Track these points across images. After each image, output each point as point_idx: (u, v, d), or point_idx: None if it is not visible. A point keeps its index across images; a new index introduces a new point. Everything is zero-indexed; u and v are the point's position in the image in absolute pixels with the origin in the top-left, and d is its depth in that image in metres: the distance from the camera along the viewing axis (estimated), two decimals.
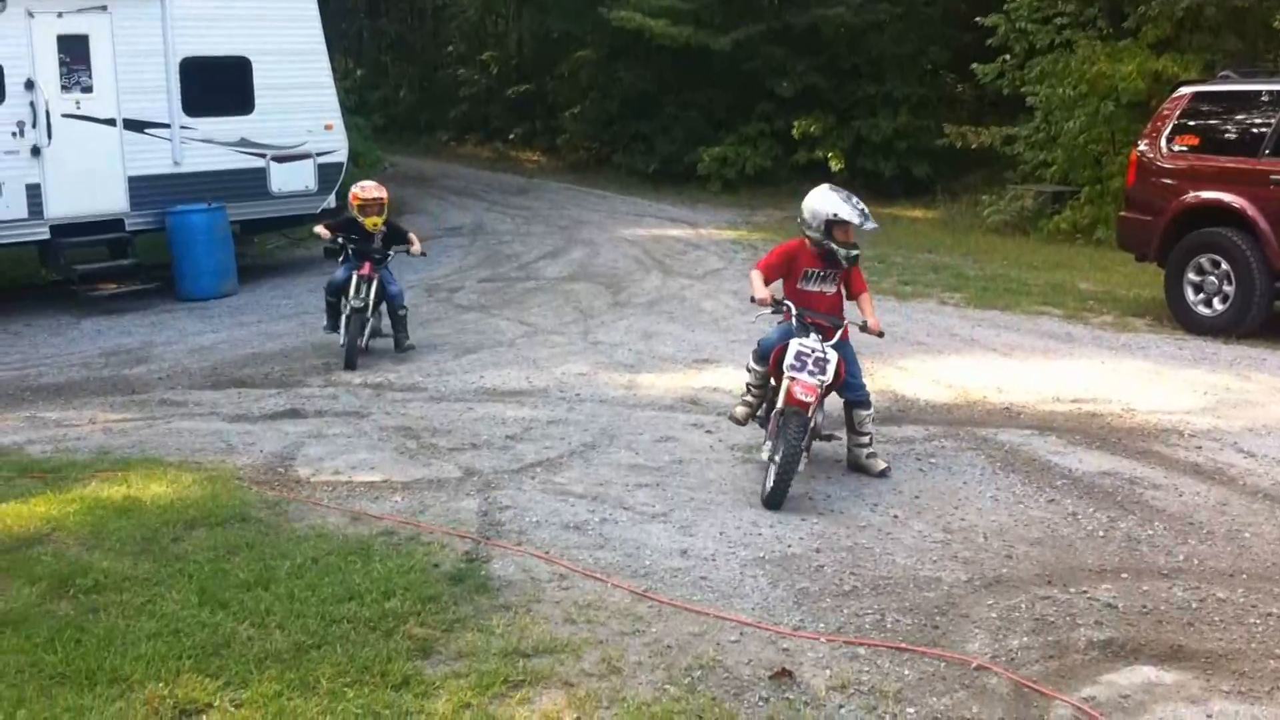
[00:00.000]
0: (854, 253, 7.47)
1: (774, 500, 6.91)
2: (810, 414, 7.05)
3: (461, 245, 18.27)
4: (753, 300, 7.49)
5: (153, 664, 4.94)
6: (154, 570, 5.94)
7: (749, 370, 7.75)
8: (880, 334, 7.58)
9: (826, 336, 7.32)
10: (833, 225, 7.36)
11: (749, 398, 7.79)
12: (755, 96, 25.50)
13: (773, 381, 7.50)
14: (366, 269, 10.68)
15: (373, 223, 10.90)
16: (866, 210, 7.43)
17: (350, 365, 10.49)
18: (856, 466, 7.66)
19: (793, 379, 7.05)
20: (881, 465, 7.62)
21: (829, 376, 7.12)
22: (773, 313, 7.54)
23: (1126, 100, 17.64)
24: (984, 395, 9.39)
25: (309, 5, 15.34)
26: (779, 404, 7.13)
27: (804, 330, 7.31)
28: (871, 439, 7.66)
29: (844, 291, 7.68)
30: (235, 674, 4.88)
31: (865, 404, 7.60)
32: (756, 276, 7.49)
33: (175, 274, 14.13)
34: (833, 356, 7.17)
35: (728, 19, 24.94)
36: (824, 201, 7.44)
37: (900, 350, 10.78)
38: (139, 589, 5.71)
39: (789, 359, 7.11)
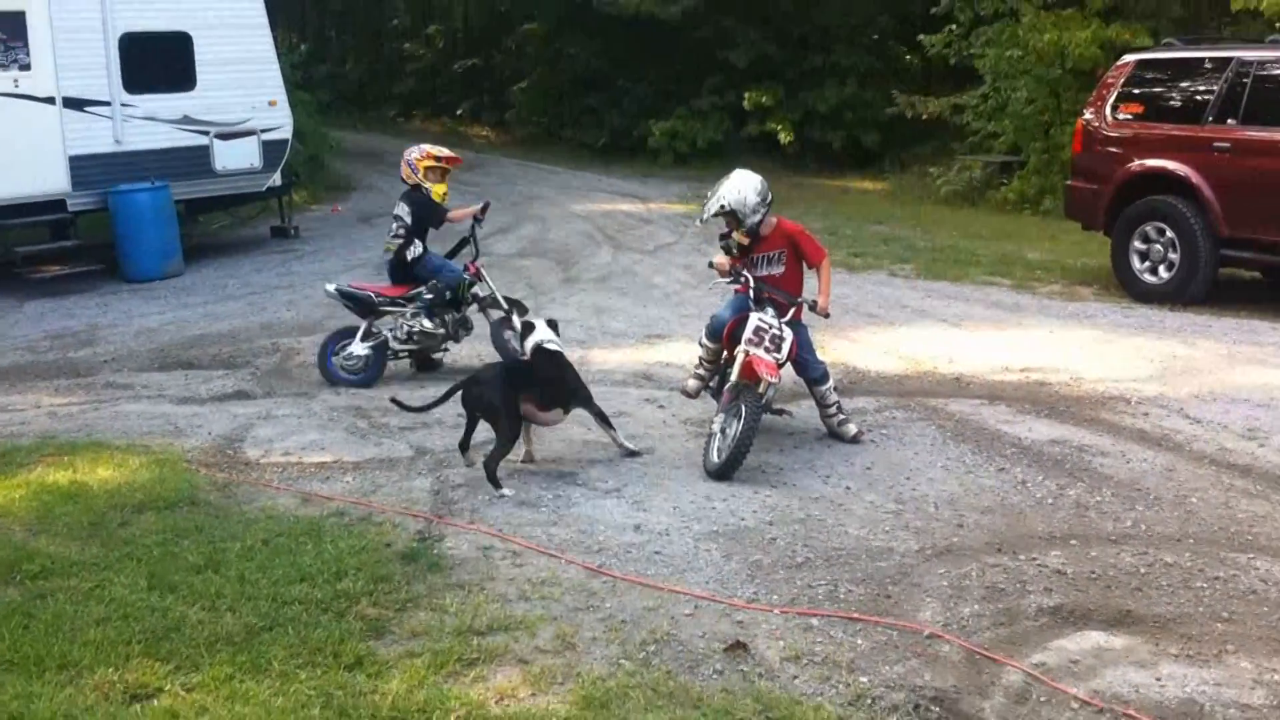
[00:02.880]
0: (727, 241, 7.66)
1: (725, 472, 6.92)
2: (764, 388, 7.08)
3: None
4: (710, 265, 7.55)
5: (102, 649, 4.88)
6: (102, 555, 5.87)
7: (701, 345, 7.80)
8: (826, 315, 7.69)
9: (781, 313, 7.35)
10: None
11: (700, 371, 7.84)
12: (705, 69, 25.47)
13: (725, 355, 7.53)
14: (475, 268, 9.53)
15: (441, 191, 9.51)
16: (709, 196, 7.62)
17: None
18: (832, 433, 7.75)
19: (750, 354, 7.07)
20: (853, 430, 7.70)
21: (784, 355, 7.19)
22: (730, 282, 7.58)
23: (1070, 66, 17.75)
24: (934, 366, 9.44)
25: None
26: (733, 377, 7.15)
27: (761, 305, 7.34)
28: (838, 406, 7.76)
29: (802, 264, 7.73)
30: (186, 658, 4.83)
31: (823, 380, 7.70)
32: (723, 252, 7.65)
33: (119, 255, 13.93)
34: (788, 335, 7.22)
35: None
36: None
37: (851, 322, 10.82)
38: (87, 574, 5.64)
39: (748, 332, 7.14)
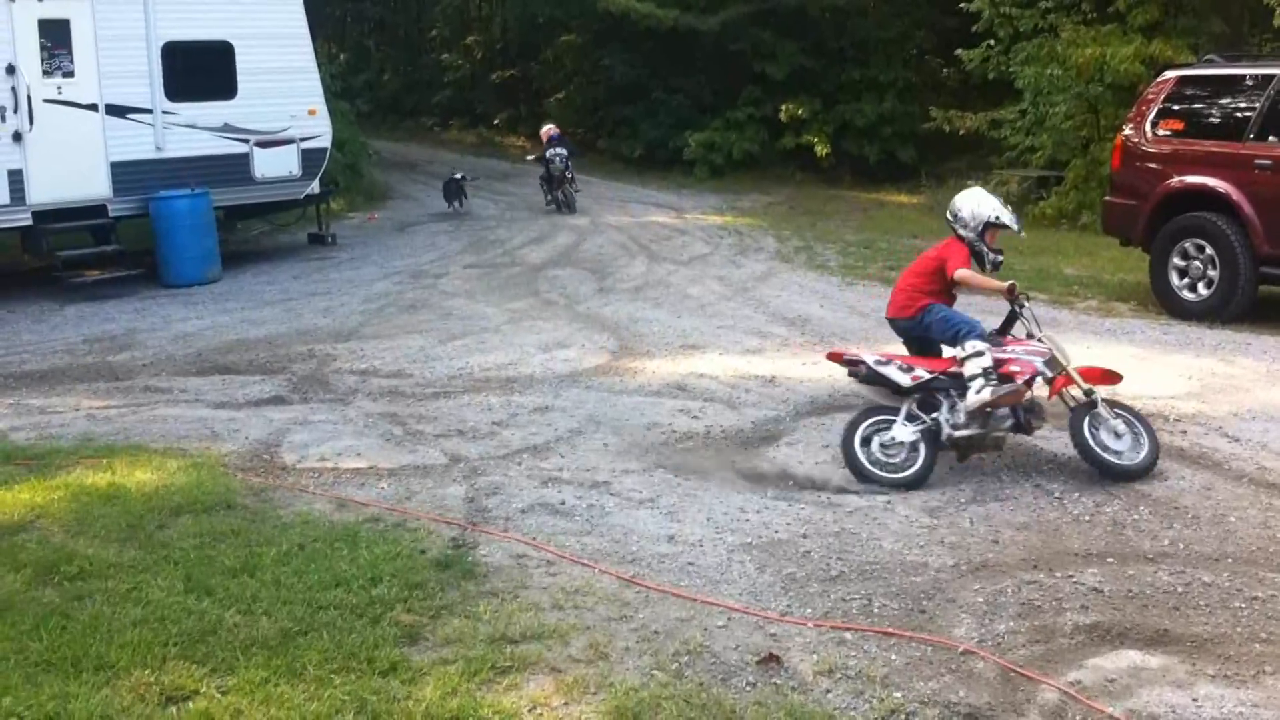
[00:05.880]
0: (999, 258, 7.50)
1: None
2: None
3: (447, 231, 18.22)
4: (1011, 293, 7.28)
5: (139, 651, 4.92)
6: (139, 557, 5.92)
7: (981, 353, 7.17)
8: None
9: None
10: (989, 227, 7.40)
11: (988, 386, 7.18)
12: (742, 80, 25.47)
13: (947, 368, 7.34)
14: None
15: None
16: (1005, 207, 7.55)
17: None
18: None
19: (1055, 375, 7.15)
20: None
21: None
22: (1013, 303, 7.38)
23: (1110, 81, 17.66)
24: None
25: None
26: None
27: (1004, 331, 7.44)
28: None
29: None
30: (222, 661, 4.87)
31: None
32: (974, 274, 7.40)
33: (158, 260, 14.06)
34: None
35: (713, 0, 24.89)
36: (984, 203, 7.46)
37: (888, 335, 10.75)
38: (124, 576, 5.69)
39: (1042, 366, 7.18)
